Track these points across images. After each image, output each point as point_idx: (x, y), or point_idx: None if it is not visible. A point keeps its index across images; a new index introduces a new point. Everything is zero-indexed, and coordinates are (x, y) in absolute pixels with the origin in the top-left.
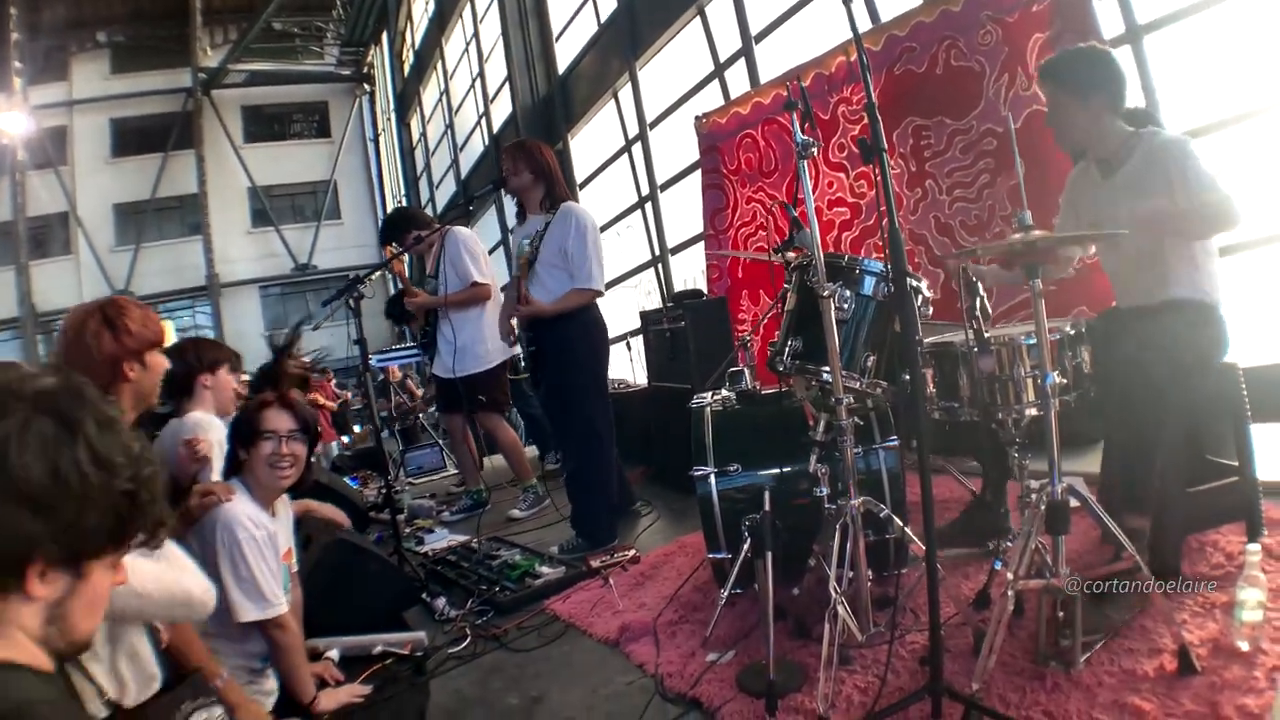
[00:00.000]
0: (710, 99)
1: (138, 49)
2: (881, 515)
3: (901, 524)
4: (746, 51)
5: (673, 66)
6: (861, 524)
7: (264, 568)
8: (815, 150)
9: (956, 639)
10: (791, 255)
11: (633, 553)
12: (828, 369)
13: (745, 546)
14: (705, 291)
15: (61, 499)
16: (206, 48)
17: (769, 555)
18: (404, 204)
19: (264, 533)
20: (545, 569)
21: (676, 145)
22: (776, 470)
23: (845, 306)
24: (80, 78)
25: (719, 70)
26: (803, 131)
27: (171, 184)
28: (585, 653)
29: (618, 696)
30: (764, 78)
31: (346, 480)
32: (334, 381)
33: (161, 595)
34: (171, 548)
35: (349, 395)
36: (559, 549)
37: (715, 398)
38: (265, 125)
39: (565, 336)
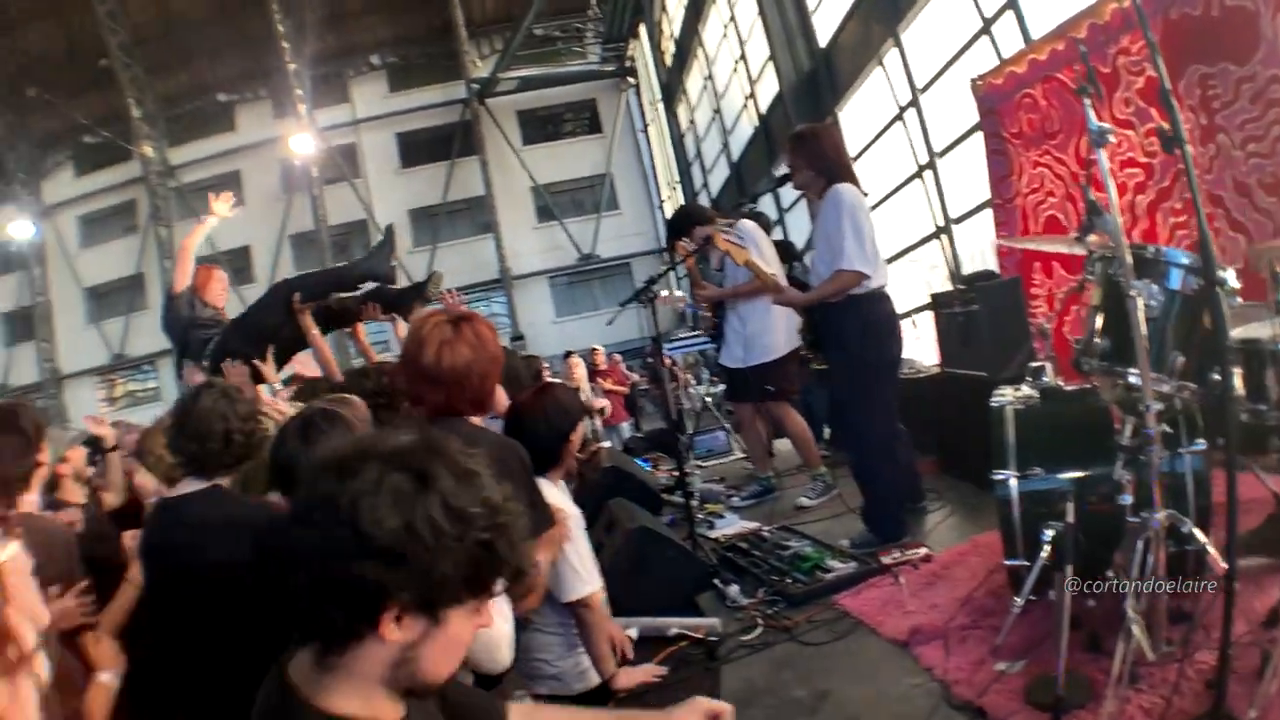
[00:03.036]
0: (981, 56)
1: (411, 67)
2: (1184, 530)
3: (1204, 539)
4: (1013, 3)
5: (939, 25)
6: (1164, 536)
7: (585, 549)
8: (1111, 138)
9: (1244, 659)
10: (1093, 240)
11: (924, 550)
12: (1135, 371)
13: (1043, 554)
14: (996, 268)
15: (415, 550)
16: (475, 60)
17: (1069, 569)
18: (678, 188)
19: (577, 513)
20: (836, 563)
21: (953, 108)
22: (1078, 473)
23: (1153, 304)
24: (361, 99)
25: (986, 26)
26: (1089, 101)
27: (459, 188)
28: (873, 651)
29: (903, 699)
30: (1033, 29)
31: (637, 462)
32: (623, 365)
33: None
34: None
35: (637, 378)
36: (850, 542)
37: (1017, 395)
38: (540, 126)
39: (844, 326)
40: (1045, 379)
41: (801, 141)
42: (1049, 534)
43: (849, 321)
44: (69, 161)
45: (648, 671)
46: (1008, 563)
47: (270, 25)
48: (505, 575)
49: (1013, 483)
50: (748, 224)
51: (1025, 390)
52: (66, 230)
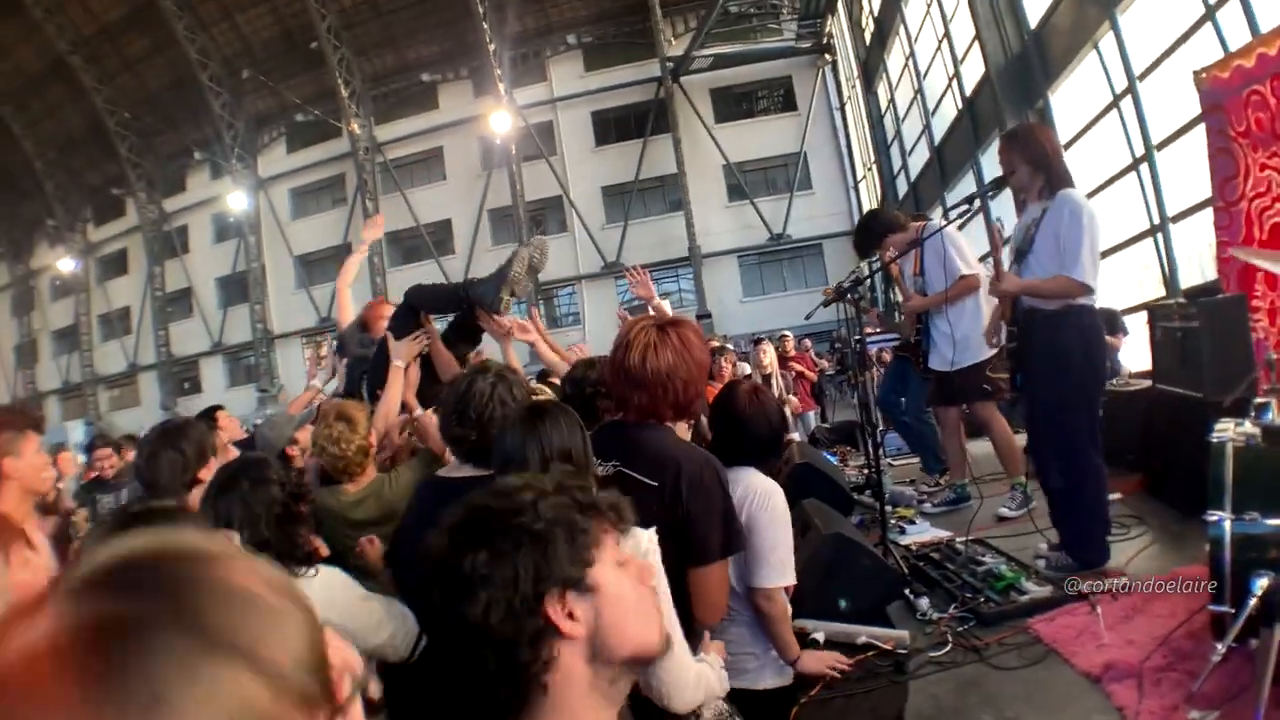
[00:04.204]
0: (1205, 43)
1: (606, 46)
2: None
3: None
4: None
5: (1159, 8)
6: None
7: (790, 541)
8: None
9: None
10: None
11: (1124, 580)
12: None
13: (1251, 603)
14: (1214, 274)
15: (515, 561)
16: (670, 38)
17: (1278, 626)
18: (874, 169)
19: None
20: (1031, 585)
21: (1174, 98)
22: None
23: None
24: (558, 78)
25: (1210, 12)
26: None
27: (652, 166)
28: (1064, 683)
29: None
30: (1261, 17)
31: (825, 456)
32: (812, 351)
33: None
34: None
35: (825, 364)
36: (1046, 564)
37: (1238, 430)
38: (733, 104)
39: (1058, 340)
40: (1268, 416)
41: (1018, 139)
42: (1259, 584)
43: (1068, 334)
44: (281, 138)
45: (833, 658)
46: (1213, 608)
47: (471, 7)
48: (597, 523)
49: (1226, 525)
50: (949, 229)
51: (1247, 426)
52: (279, 202)
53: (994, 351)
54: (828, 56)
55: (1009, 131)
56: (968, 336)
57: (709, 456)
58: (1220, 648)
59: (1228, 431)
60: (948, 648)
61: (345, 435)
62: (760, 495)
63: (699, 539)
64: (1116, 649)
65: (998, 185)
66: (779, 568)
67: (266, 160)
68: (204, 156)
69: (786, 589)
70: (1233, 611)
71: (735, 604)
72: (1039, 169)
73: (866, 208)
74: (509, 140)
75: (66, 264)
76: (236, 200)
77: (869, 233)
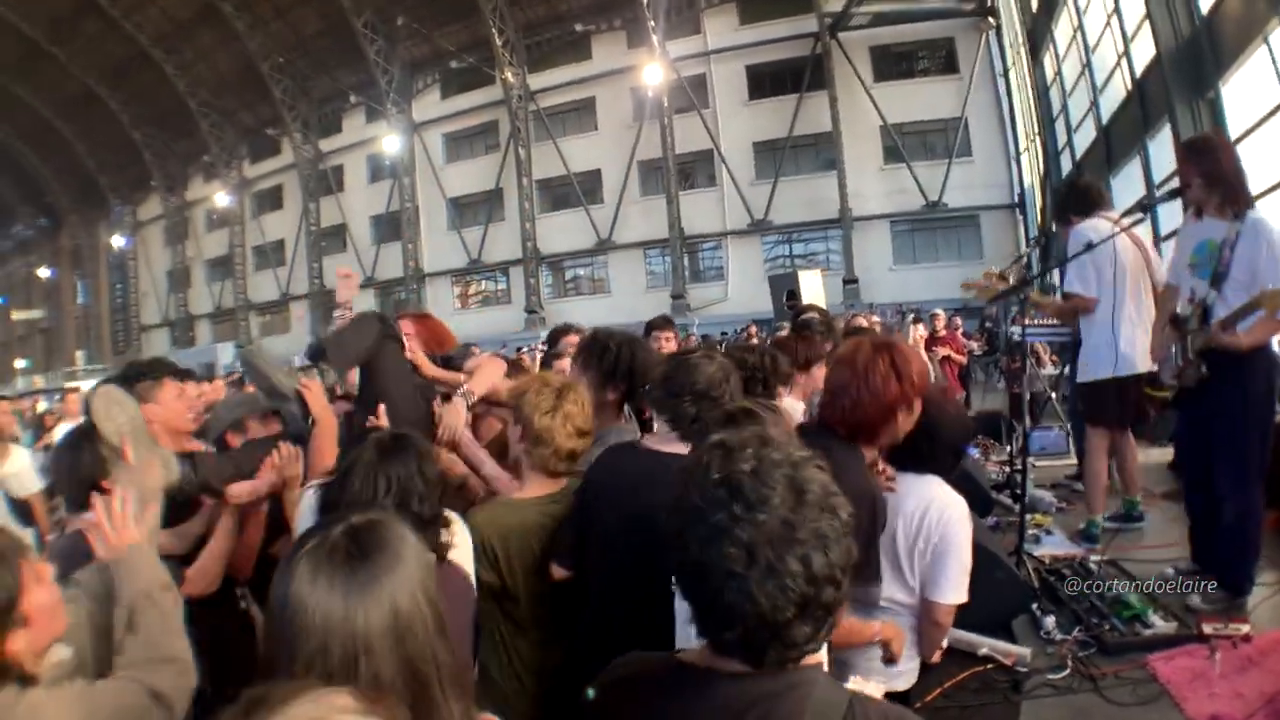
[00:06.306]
0: None
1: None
2: None
3: None
4: None
5: None
6: None
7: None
8: None
9: None
10: None
11: (1246, 629)
12: None
13: None
14: None
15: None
16: None
17: None
18: (1036, 141)
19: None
20: (1157, 619)
21: None
22: None
23: None
24: (712, 31)
25: None
26: None
27: (806, 123)
28: None
29: None
30: None
31: (968, 450)
32: (962, 330)
33: None
34: None
35: (974, 345)
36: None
37: None
38: (893, 63)
39: (1250, 370)
40: None
41: (1195, 153)
42: None
43: (1260, 360)
44: (436, 84)
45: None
46: None
47: None
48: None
49: None
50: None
51: None
52: (433, 146)
53: (1108, 375)
54: (991, 20)
55: (1188, 142)
56: (1089, 351)
57: (867, 492)
58: None
59: None
60: (1065, 672)
61: (574, 417)
62: (954, 510)
63: None
64: (1225, 700)
65: (1172, 195)
66: (962, 585)
67: (421, 105)
68: (359, 100)
69: None
70: None
71: (905, 613)
72: (1214, 187)
73: (1029, 181)
74: (661, 92)
75: (222, 198)
76: (391, 143)
77: (1066, 201)
